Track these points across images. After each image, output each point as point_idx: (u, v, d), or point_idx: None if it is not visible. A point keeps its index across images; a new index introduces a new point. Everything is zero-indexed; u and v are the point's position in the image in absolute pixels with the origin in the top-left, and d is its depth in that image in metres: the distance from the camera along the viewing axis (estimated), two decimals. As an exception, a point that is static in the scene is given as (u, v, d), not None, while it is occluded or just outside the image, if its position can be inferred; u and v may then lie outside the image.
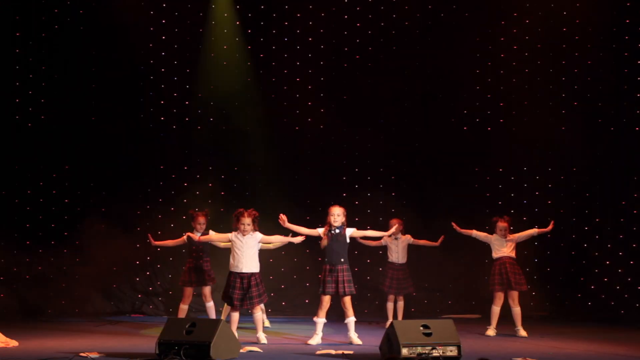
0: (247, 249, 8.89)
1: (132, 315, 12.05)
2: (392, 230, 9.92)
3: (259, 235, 9.00)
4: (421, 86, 12.69)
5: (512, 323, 9.82)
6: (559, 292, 11.98)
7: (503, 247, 9.97)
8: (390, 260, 10.80)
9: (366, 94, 12.67)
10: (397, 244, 10.73)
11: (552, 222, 9.98)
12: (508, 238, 9.96)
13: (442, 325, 7.49)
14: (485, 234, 10.22)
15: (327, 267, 9.04)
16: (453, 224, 10.29)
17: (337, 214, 9.10)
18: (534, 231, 10.13)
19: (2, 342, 8.20)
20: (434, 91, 12.67)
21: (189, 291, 10.11)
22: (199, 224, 10.08)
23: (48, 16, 12.49)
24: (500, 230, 9.98)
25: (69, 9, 12.49)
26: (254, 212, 9.04)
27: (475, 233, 10.26)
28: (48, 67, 12.49)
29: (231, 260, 8.96)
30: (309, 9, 12.65)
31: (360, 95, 12.67)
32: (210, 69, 12.66)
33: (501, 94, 12.58)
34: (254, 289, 8.82)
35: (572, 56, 12.40)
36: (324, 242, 9.15)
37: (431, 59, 12.63)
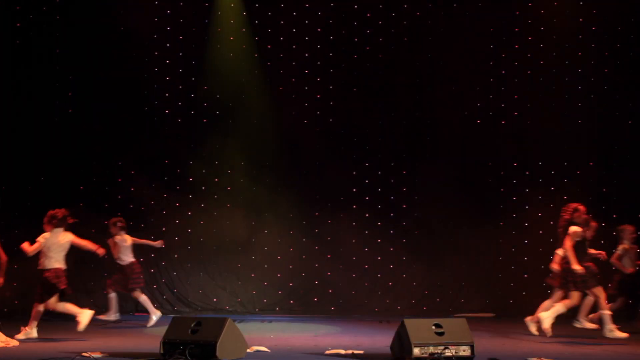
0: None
1: (136, 314, 11.84)
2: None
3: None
4: (434, 78, 12.47)
5: (524, 323, 9.58)
6: (575, 290, 11.70)
7: None
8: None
9: (377, 86, 12.47)
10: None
11: (603, 253, 9.57)
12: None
13: (455, 324, 7.31)
14: (620, 251, 10.07)
15: None
16: (603, 253, 9.62)
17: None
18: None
19: (2, 342, 8.18)
20: (447, 83, 12.43)
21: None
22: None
23: (49, 8, 12.29)
24: (632, 233, 9.98)
25: (72, 2, 12.29)
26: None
27: (617, 260, 10.09)
28: (48, 59, 12.27)
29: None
30: (318, -2, 12.45)
31: (370, 87, 12.47)
32: (216, 60, 12.46)
33: (515, 87, 12.36)
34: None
35: (589, 47, 12.24)
36: None
37: (444, 51, 12.42)
